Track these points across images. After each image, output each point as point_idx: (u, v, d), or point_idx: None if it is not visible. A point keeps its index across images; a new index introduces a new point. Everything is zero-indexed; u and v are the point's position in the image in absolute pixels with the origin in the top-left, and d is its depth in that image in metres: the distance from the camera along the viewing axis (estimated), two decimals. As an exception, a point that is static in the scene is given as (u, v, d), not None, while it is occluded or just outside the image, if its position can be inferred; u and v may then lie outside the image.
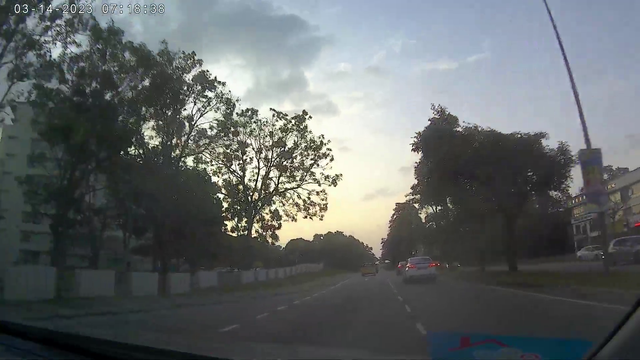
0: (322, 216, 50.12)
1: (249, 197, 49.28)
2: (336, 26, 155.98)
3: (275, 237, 53.18)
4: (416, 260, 30.05)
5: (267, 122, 47.58)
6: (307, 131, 48.51)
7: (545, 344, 1.53)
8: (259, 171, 48.79)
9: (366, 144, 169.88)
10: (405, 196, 56.27)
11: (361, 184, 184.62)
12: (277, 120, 48.00)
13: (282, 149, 48.46)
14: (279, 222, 50.98)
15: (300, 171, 49.72)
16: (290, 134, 48.46)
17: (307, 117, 49.03)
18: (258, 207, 49.55)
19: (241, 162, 48.39)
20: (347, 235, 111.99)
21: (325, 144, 49.27)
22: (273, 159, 48.90)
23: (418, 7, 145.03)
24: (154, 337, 3.64)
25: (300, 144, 48.61)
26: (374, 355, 3.01)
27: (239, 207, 50.09)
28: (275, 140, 48.27)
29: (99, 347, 2.22)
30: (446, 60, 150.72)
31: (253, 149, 48.17)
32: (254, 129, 47.68)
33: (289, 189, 50.18)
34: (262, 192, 49.30)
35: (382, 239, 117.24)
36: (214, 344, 4.21)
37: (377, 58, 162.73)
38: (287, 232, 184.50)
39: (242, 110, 46.09)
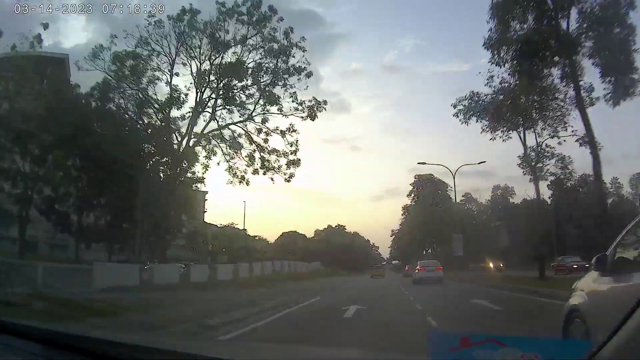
0: (290, 175, 30.95)
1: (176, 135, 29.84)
2: (350, 24, 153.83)
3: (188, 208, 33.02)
4: (425, 264, 32.98)
5: (212, 22, 29.48)
6: (266, 30, 29.92)
7: (546, 344, 1.53)
8: (197, 102, 29.86)
9: (377, 143, 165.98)
10: (453, 106, 30.30)
11: (370, 184, 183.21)
12: (224, 22, 29.74)
13: (219, 54, 29.99)
14: (195, 171, 30.56)
15: (254, 94, 30.63)
16: (248, 46, 30.32)
17: (273, 15, 29.72)
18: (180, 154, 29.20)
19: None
20: (351, 232, 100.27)
21: (296, 45, 30.02)
22: (212, 82, 30.25)
23: (429, 9, 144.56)
24: (154, 337, 3.64)
25: (259, 53, 30.38)
26: (374, 355, 3.01)
27: (164, 158, 30.77)
28: (216, 43, 29.87)
29: (99, 347, 2.22)
30: (457, 62, 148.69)
31: (185, 64, 30.04)
32: (192, 44, 29.70)
33: (233, 124, 30.95)
34: (189, 127, 29.80)
35: (392, 230, 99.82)
36: (214, 345, 4.21)
37: (389, 57, 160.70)
38: (282, 227, 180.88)
39: (178, 12, 29.38)
